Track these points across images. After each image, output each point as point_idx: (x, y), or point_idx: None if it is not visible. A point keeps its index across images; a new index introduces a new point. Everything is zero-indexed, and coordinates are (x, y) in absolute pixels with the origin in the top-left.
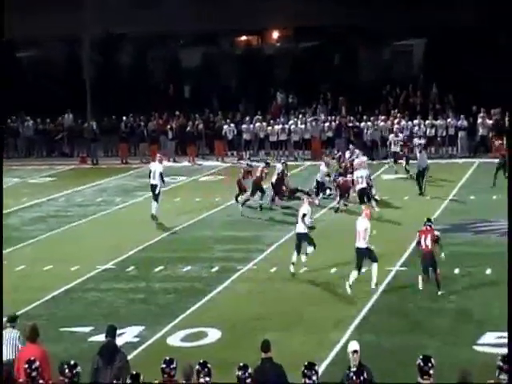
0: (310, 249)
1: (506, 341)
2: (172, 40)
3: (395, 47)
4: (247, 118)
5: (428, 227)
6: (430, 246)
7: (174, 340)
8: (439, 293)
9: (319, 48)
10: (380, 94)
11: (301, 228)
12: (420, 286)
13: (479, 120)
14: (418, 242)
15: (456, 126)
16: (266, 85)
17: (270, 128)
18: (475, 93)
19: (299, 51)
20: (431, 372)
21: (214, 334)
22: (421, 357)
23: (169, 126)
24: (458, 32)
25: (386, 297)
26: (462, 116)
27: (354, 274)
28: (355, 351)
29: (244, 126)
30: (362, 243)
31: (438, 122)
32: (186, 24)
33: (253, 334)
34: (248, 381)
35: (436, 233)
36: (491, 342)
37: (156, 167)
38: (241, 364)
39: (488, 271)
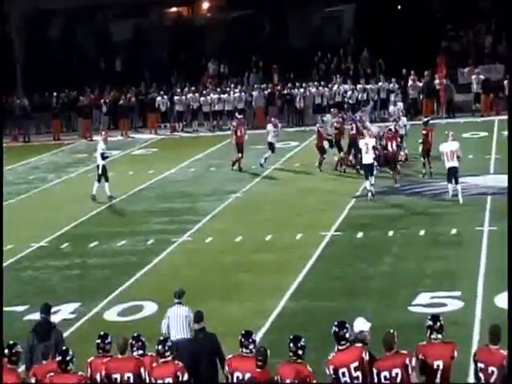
0: None
1: (438, 300)
2: (102, 13)
3: (325, 13)
4: (179, 90)
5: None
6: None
7: (111, 315)
8: None
9: (250, 17)
10: (312, 60)
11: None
12: None
13: (410, 82)
14: None
15: (387, 90)
16: (197, 56)
17: (203, 98)
18: (405, 56)
19: (230, 21)
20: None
21: (150, 307)
22: (335, 323)
23: (102, 101)
24: None
25: (321, 262)
26: (393, 79)
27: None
28: (361, 332)
29: (176, 98)
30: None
31: (370, 86)
32: None
33: (189, 304)
34: (167, 354)
35: None
36: (425, 302)
37: (99, 146)
38: (161, 338)
39: (421, 232)
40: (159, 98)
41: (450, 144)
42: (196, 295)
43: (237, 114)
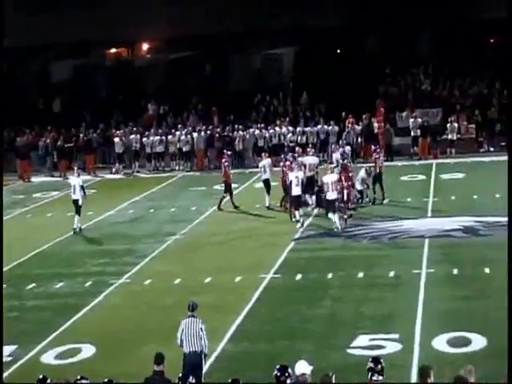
0: None
1: (377, 343)
2: (42, 53)
3: (265, 56)
4: (119, 131)
5: None
6: None
7: (48, 358)
8: None
9: (190, 58)
10: (252, 102)
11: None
12: None
13: (348, 126)
14: None
15: (327, 133)
16: (137, 97)
17: (145, 139)
18: (344, 99)
19: (170, 62)
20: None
21: (88, 350)
22: (277, 367)
23: (41, 142)
24: (326, 41)
25: (260, 304)
26: (331, 122)
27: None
28: (303, 374)
29: (116, 139)
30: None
31: (309, 129)
32: (57, 36)
33: (128, 347)
34: None
35: None
36: (363, 344)
37: (75, 181)
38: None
39: (360, 275)
40: (96, 138)
41: (330, 176)
42: (135, 337)
43: (225, 151)
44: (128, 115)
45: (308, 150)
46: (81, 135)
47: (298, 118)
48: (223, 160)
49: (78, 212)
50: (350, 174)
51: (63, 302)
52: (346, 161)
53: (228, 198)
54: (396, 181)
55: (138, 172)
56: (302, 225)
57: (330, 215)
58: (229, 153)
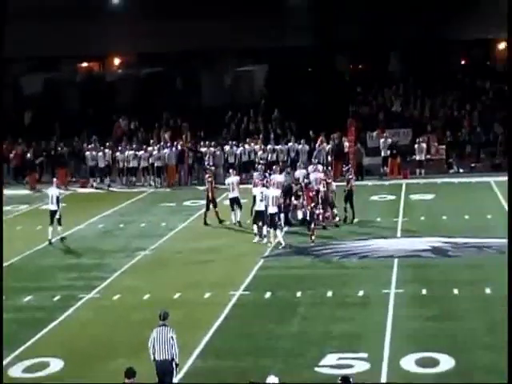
0: None
1: (345, 362)
2: (13, 66)
3: (236, 72)
4: (90, 145)
5: None
6: None
7: (16, 371)
8: None
9: (161, 74)
10: (223, 119)
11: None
12: None
13: (319, 145)
14: None
15: (297, 151)
16: (108, 111)
17: (118, 154)
18: (315, 118)
19: (141, 77)
20: None
21: (56, 364)
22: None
23: (11, 154)
24: (297, 59)
25: (229, 321)
26: (302, 140)
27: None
28: None
29: (87, 153)
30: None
31: (279, 147)
32: (28, 49)
33: (97, 361)
34: None
35: None
36: (332, 363)
37: (54, 192)
38: None
39: (329, 293)
40: (67, 152)
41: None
42: (103, 352)
43: (207, 165)
44: (99, 130)
45: (275, 168)
46: (51, 148)
47: (269, 136)
48: (206, 176)
49: (53, 222)
50: (322, 193)
51: (31, 316)
52: (308, 180)
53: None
54: (366, 200)
55: (109, 186)
56: (263, 239)
57: (270, 230)
58: (212, 168)
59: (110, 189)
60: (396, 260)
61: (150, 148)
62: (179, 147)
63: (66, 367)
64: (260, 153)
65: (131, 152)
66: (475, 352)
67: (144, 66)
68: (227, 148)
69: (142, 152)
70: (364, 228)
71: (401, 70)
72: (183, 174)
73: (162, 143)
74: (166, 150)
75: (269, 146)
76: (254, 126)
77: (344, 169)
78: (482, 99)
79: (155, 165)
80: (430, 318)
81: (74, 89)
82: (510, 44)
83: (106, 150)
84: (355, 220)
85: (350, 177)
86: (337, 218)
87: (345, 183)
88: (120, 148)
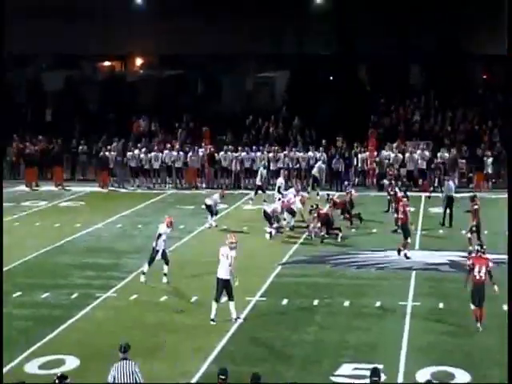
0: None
1: (360, 372)
2: (34, 62)
3: (257, 78)
4: (113, 145)
5: (482, 254)
6: (483, 277)
7: (32, 367)
8: (480, 328)
9: (182, 76)
10: (243, 124)
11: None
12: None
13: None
14: (471, 270)
15: (316, 159)
16: (128, 111)
17: (143, 156)
18: (335, 126)
19: (162, 79)
20: None
21: (71, 362)
22: None
23: (28, 150)
24: (319, 66)
25: (245, 326)
26: (320, 148)
27: (213, 306)
28: None
29: (107, 154)
30: (221, 273)
31: (301, 155)
32: (49, 46)
33: (111, 361)
34: None
35: (490, 264)
36: (347, 373)
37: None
38: None
39: (346, 303)
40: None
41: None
42: (117, 352)
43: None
44: (118, 129)
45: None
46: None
47: (290, 143)
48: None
49: None
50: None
51: (48, 313)
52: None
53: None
54: (384, 211)
55: (139, 186)
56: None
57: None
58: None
59: (130, 189)
60: (414, 272)
61: (166, 151)
62: (207, 150)
63: (82, 365)
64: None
65: (153, 153)
66: (491, 368)
67: (165, 67)
68: (245, 154)
69: (165, 152)
70: (382, 239)
71: (422, 82)
72: (211, 176)
73: (183, 145)
74: (189, 154)
75: (291, 154)
76: (275, 132)
77: (345, 183)
78: (504, 115)
79: (175, 166)
80: (446, 333)
81: (95, 87)
82: (510, 47)
83: (134, 152)
84: (353, 230)
85: (351, 191)
86: (340, 234)
87: (347, 198)
88: (144, 150)
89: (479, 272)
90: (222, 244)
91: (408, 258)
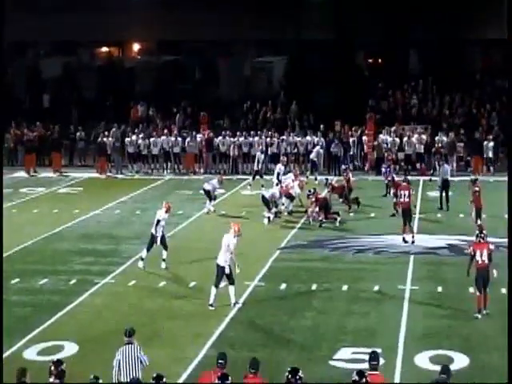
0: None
1: (359, 356)
2: (32, 49)
3: (255, 63)
4: (112, 131)
5: (482, 240)
6: (486, 261)
7: (31, 354)
8: (486, 312)
9: (180, 62)
10: (240, 109)
11: None
12: (480, 308)
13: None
14: (473, 256)
15: (314, 144)
16: (126, 97)
17: (141, 141)
18: (333, 111)
19: (160, 64)
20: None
21: (71, 348)
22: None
23: (27, 137)
24: (316, 52)
25: (244, 312)
26: (319, 133)
27: (212, 291)
28: None
29: (105, 140)
30: (221, 260)
31: (299, 140)
32: (46, 33)
33: (110, 347)
34: None
35: (491, 246)
36: (346, 357)
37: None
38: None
39: (344, 287)
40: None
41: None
42: (116, 338)
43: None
44: (116, 116)
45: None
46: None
47: (287, 128)
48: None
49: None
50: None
51: (46, 299)
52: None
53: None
54: (382, 196)
55: (137, 172)
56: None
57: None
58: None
59: (128, 175)
60: (412, 257)
61: (163, 137)
62: (205, 135)
63: (81, 351)
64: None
65: (152, 139)
66: (490, 352)
67: (163, 53)
68: (241, 138)
69: (163, 137)
70: (380, 223)
71: (420, 67)
72: (209, 162)
73: (181, 130)
74: (187, 139)
75: (290, 139)
76: (272, 117)
77: (342, 168)
78: (502, 99)
79: (173, 151)
80: (444, 316)
81: (93, 73)
82: (509, 43)
83: (131, 138)
84: (351, 214)
85: (349, 176)
86: (338, 219)
87: (344, 182)
88: (141, 135)
89: (481, 256)
90: (225, 231)
91: (406, 242)
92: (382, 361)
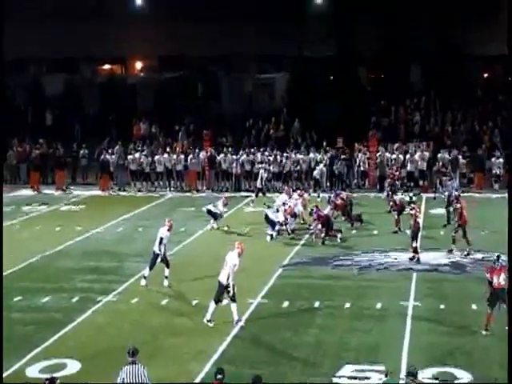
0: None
1: (362, 374)
2: (34, 66)
3: (257, 79)
4: (115, 148)
5: (500, 266)
6: (502, 283)
7: (33, 371)
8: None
9: (182, 78)
10: (243, 126)
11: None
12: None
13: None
14: (490, 282)
15: (316, 161)
16: (128, 114)
17: (143, 159)
18: (336, 127)
19: (162, 81)
20: None
21: (73, 366)
22: None
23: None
24: (318, 68)
25: (246, 329)
26: (321, 151)
27: (211, 306)
28: None
29: (113, 157)
30: (223, 278)
31: (301, 157)
32: (49, 50)
33: (112, 365)
34: None
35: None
36: (348, 374)
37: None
38: None
39: (347, 305)
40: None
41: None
42: (119, 356)
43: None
44: (118, 133)
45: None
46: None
47: (289, 145)
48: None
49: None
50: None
51: (49, 317)
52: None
53: None
54: (386, 213)
55: (140, 191)
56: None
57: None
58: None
59: (130, 192)
60: (415, 274)
61: (165, 155)
62: (208, 152)
63: (83, 369)
64: (284, 161)
65: (157, 157)
66: (492, 368)
67: (165, 70)
68: (245, 156)
69: (165, 155)
70: (384, 240)
71: (422, 82)
72: (212, 179)
73: (184, 148)
74: (190, 156)
75: (293, 156)
76: (275, 134)
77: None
78: (503, 115)
79: (176, 169)
80: (447, 333)
81: (95, 90)
82: (510, 44)
83: (134, 156)
84: (353, 231)
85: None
86: (339, 235)
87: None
88: (144, 152)
89: (498, 279)
90: (227, 248)
91: (412, 259)
92: (384, 378)
